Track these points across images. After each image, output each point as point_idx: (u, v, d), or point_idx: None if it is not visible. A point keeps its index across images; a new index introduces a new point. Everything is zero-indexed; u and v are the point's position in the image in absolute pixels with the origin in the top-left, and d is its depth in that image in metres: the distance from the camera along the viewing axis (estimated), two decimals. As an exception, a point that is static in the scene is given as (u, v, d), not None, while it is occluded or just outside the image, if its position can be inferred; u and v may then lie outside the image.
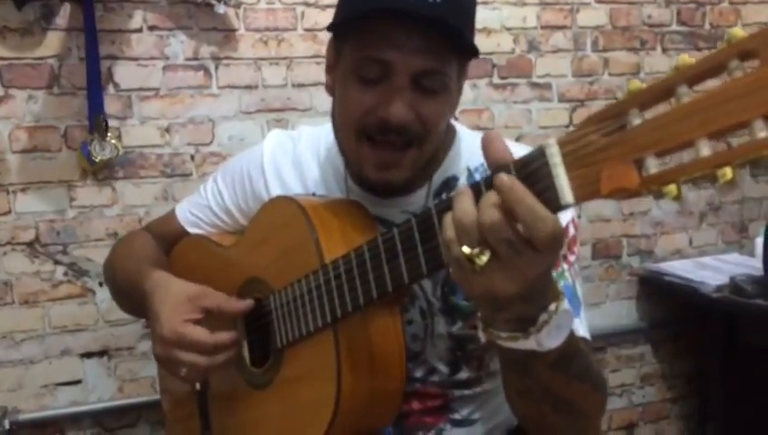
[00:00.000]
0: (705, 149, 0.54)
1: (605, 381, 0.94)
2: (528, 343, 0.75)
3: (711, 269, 2.33)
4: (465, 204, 0.69)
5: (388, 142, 0.94)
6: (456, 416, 1.09)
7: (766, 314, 2.02)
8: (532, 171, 0.65)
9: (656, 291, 2.44)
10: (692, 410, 2.56)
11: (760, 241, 2.11)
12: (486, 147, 0.72)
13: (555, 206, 0.64)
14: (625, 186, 0.58)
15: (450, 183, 1.06)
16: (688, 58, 0.56)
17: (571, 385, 0.84)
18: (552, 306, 0.73)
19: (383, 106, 0.92)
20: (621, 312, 2.45)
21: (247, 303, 1.05)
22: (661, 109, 0.57)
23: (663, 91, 0.57)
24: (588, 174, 0.61)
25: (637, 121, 0.58)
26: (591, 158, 0.61)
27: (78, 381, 1.91)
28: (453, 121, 1.12)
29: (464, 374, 1.07)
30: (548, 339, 0.75)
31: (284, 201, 1.04)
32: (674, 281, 2.32)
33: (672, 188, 0.56)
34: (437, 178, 1.06)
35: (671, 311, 2.47)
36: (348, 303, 0.89)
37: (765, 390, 2.21)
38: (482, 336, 0.79)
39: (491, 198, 0.66)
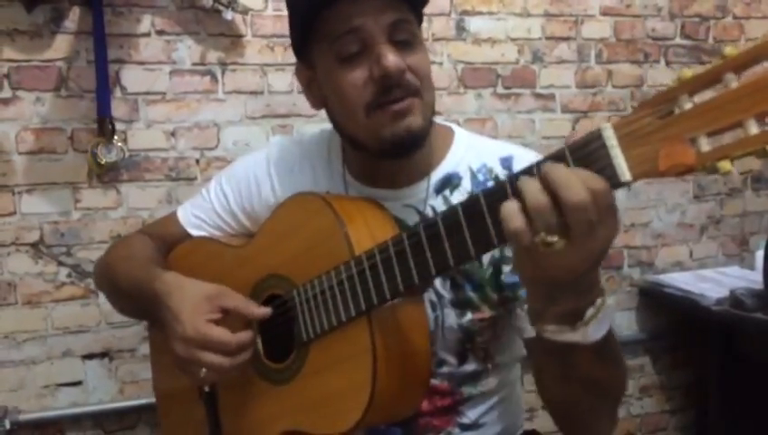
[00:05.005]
0: (754, 127, 0.60)
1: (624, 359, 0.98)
2: (574, 336, 0.79)
3: (711, 282, 2.33)
4: (536, 189, 0.69)
5: (395, 100, 0.97)
6: (465, 420, 1.11)
7: (766, 328, 2.02)
8: (589, 153, 0.69)
9: (656, 303, 2.44)
10: (690, 422, 2.56)
11: (760, 254, 2.11)
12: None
13: (614, 183, 0.68)
14: (683, 162, 0.64)
15: (452, 180, 1.08)
16: (734, 49, 0.62)
17: (606, 368, 0.88)
18: (599, 301, 0.78)
19: (375, 67, 0.95)
20: (621, 323, 2.45)
21: (266, 310, 1.05)
22: (708, 95, 0.64)
23: (711, 77, 0.63)
24: (645, 153, 0.66)
25: (688, 105, 0.64)
26: (648, 138, 0.66)
27: (79, 383, 1.92)
28: (450, 123, 1.16)
29: (470, 366, 1.10)
30: (593, 332, 0.79)
31: (308, 197, 1.05)
32: (674, 293, 2.31)
33: (725, 163, 0.62)
34: (437, 174, 1.08)
35: (671, 323, 2.47)
36: (386, 290, 0.91)
37: (764, 403, 2.21)
38: (529, 330, 0.85)
39: (576, 177, 0.67)
